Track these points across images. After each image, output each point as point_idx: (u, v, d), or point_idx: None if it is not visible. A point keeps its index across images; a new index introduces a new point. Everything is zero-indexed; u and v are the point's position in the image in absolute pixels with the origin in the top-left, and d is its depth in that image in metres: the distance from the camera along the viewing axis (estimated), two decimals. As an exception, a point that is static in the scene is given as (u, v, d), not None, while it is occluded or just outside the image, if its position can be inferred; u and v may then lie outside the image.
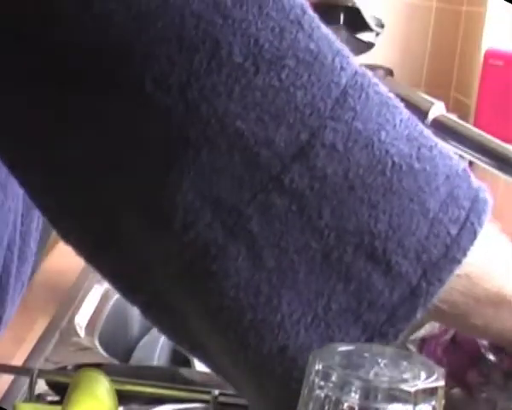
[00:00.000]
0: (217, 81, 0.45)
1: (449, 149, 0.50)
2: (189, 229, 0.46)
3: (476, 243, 0.47)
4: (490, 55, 1.74)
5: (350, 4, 0.90)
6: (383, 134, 0.46)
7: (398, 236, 0.46)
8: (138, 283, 0.51)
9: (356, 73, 0.47)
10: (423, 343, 0.70)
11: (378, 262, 0.46)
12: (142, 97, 0.45)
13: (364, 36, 0.77)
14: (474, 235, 0.47)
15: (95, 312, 0.99)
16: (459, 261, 0.47)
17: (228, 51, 0.44)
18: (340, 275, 0.46)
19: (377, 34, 0.75)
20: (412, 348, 0.70)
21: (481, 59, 1.74)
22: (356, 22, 0.77)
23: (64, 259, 1.01)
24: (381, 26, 0.77)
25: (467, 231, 0.47)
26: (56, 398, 0.70)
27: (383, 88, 0.48)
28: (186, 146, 0.45)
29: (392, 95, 0.49)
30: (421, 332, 0.71)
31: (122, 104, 0.46)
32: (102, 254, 0.51)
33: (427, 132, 0.49)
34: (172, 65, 0.44)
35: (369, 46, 0.77)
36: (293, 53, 0.45)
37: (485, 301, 0.50)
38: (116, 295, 1.06)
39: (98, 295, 1.03)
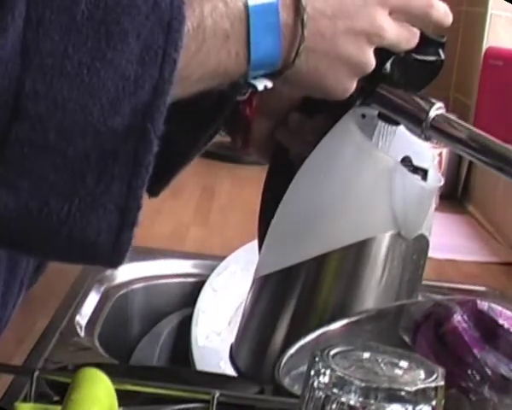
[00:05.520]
0: None
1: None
2: None
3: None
4: (490, 55, 1.74)
5: None
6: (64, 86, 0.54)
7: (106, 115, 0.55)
8: None
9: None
10: (415, 337, 0.70)
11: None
12: None
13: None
14: (174, 63, 0.57)
15: (95, 312, 0.99)
16: (165, 103, 0.57)
17: None
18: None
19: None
20: (406, 337, 0.70)
21: (481, 59, 1.74)
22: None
23: (64, 259, 1.01)
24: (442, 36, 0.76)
25: (168, 65, 0.56)
26: (56, 398, 0.70)
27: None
28: None
29: None
30: (412, 319, 0.71)
31: None
32: None
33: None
34: None
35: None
36: None
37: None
38: (116, 296, 1.06)
39: (98, 295, 1.03)
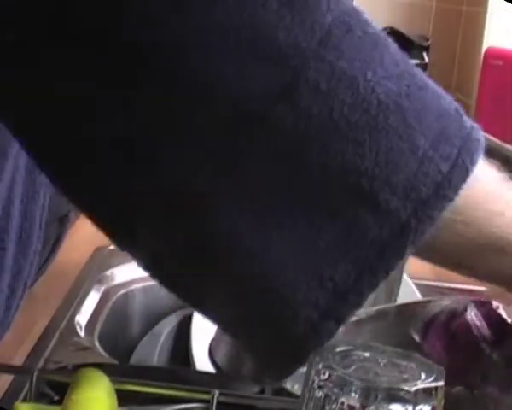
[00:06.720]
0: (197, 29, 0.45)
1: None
2: (182, 173, 0.47)
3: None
4: (490, 54, 1.74)
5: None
6: (369, 73, 0.47)
7: (385, 173, 0.46)
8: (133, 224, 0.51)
9: (344, 12, 0.47)
10: (426, 332, 0.70)
11: (365, 200, 0.46)
12: None
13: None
14: (467, 172, 0.47)
15: (95, 312, 0.99)
16: (450, 199, 0.47)
17: None
18: (327, 213, 0.47)
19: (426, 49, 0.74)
20: (416, 336, 0.71)
21: (481, 59, 1.74)
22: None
23: (64, 259, 1.01)
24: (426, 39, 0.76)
25: (458, 168, 0.47)
26: (56, 398, 0.70)
27: (375, 27, 0.49)
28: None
29: (384, 34, 0.49)
30: (424, 318, 0.71)
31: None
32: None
33: (419, 72, 0.50)
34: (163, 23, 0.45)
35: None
36: None
37: (485, 244, 0.50)
38: (116, 295, 1.06)
39: (98, 295, 1.03)
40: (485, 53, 1.76)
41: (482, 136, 0.49)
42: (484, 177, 0.50)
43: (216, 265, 0.49)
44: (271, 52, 0.45)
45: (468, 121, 0.50)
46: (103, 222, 0.52)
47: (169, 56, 0.46)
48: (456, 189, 0.47)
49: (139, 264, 0.54)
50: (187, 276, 0.51)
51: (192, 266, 0.50)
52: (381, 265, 0.47)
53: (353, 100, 0.46)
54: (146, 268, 0.54)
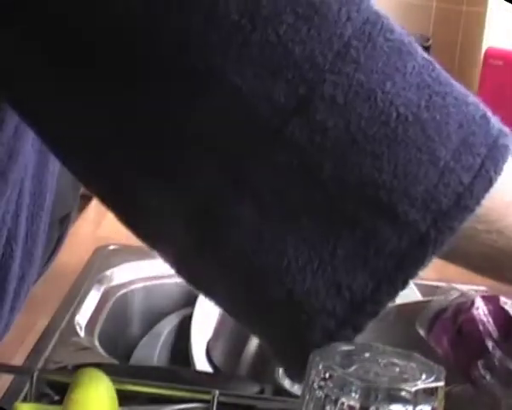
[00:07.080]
0: (213, 40, 0.45)
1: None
2: (195, 180, 0.47)
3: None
4: (490, 54, 1.74)
5: None
6: (388, 85, 0.46)
7: (404, 185, 0.46)
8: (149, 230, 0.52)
9: (366, 21, 0.46)
10: (432, 325, 0.70)
11: (384, 211, 0.46)
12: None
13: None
14: (490, 182, 0.47)
15: (95, 312, 0.99)
16: (472, 210, 0.47)
17: (224, 9, 0.45)
18: (345, 223, 0.47)
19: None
20: (421, 331, 0.71)
21: (481, 59, 1.74)
22: None
23: (64, 258, 1.01)
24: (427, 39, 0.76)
25: (481, 178, 0.47)
26: (56, 398, 0.70)
27: (399, 32, 0.48)
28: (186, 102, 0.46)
29: (410, 39, 0.48)
30: (430, 312, 0.71)
31: None
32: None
33: (444, 78, 0.49)
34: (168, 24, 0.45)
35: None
36: (291, 8, 0.45)
37: None
38: (116, 295, 1.06)
39: (98, 295, 1.03)
40: (485, 53, 1.76)
41: (510, 141, 0.49)
42: (509, 184, 0.49)
43: (224, 261, 0.49)
44: (286, 66, 0.45)
45: (496, 127, 0.49)
46: (119, 218, 0.53)
47: (169, 57, 0.46)
48: (477, 199, 0.47)
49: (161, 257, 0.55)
50: (202, 272, 0.52)
51: (205, 262, 0.50)
52: (399, 275, 0.47)
53: (371, 113, 0.46)
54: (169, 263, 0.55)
